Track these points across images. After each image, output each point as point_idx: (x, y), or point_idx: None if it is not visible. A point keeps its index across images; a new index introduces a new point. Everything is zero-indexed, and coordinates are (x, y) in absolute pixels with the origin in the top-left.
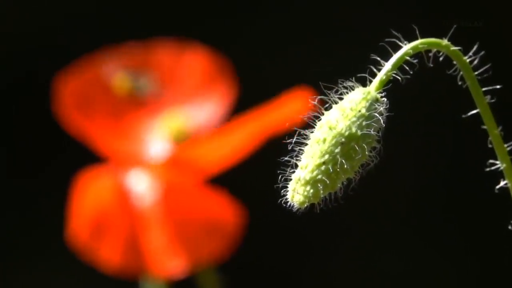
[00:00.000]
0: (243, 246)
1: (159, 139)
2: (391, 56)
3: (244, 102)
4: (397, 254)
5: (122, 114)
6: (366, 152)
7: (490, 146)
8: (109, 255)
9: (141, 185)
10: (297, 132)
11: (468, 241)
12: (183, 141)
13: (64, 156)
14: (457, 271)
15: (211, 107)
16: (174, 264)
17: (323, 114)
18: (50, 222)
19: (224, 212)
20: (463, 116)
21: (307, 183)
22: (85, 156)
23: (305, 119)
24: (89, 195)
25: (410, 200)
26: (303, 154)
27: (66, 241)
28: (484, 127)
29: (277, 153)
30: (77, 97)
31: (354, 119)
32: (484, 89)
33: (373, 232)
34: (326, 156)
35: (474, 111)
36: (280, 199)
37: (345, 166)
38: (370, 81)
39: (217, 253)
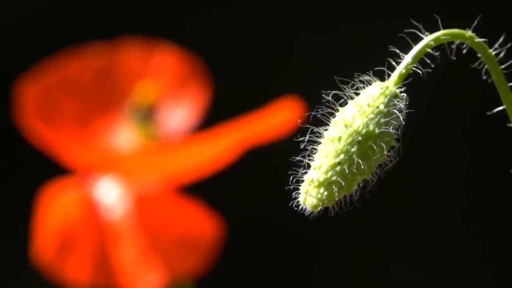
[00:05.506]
0: (247, 253)
1: (128, 143)
2: (411, 48)
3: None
4: (409, 264)
5: (88, 120)
6: (385, 152)
7: None
8: (76, 272)
9: (110, 196)
10: (309, 130)
11: (486, 251)
12: (153, 144)
13: (27, 167)
14: (473, 283)
15: (183, 110)
16: (148, 279)
17: (338, 110)
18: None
19: (201, 224)
20: (488, 113)
21: (321, 185)
22: (50, 167)
23: (319, 115)
24: (54, 209)
25: (425, 205)
26: (317, 154)
27: (30, 258)
28: (511, 125)
29: (279, 156)
30: (39, 103)
31: (372, 116)
32: (511, 84)
33: (384, 239)
34: (342, 156)
35: (500, 108)
36: (292, 202)
37: (362, 167)
38: (389, 75)
39: (195, 267)
